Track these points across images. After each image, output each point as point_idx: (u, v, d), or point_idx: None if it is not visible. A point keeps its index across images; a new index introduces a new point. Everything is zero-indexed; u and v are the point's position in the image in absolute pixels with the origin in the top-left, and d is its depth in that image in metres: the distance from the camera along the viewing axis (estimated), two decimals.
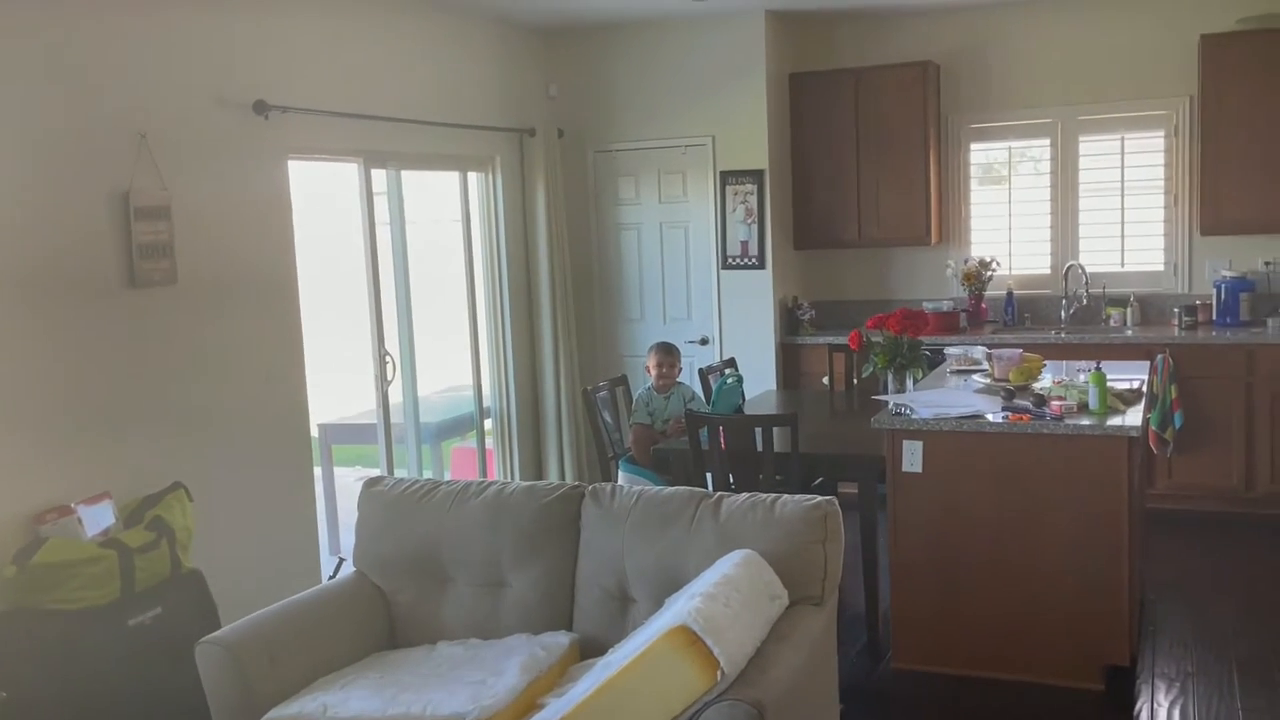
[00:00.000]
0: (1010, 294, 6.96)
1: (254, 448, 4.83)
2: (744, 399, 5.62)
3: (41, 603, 3.65)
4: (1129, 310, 6.66)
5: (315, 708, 3.10)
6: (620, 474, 5.49)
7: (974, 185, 7.17)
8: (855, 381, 6.20)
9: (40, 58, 3.94)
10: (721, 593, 2.85)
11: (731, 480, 4.67)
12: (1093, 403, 4.22)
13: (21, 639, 3.58)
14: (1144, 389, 4.63)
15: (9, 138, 3.83)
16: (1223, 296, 6.39)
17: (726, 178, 6.90)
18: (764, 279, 6.91)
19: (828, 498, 3.32)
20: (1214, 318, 6.44)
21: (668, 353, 5.61)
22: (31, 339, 3.91)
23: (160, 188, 4.35)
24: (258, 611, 3.41)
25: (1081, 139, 6.86)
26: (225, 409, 4.69)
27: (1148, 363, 5.38)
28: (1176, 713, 3.98)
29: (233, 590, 4.27)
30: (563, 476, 6.87)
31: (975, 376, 5.05)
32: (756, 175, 6.83)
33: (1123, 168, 6.79)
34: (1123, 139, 6.77)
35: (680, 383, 5.64)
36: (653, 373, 5.58)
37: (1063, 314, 6.80)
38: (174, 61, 4.47)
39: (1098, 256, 6.86)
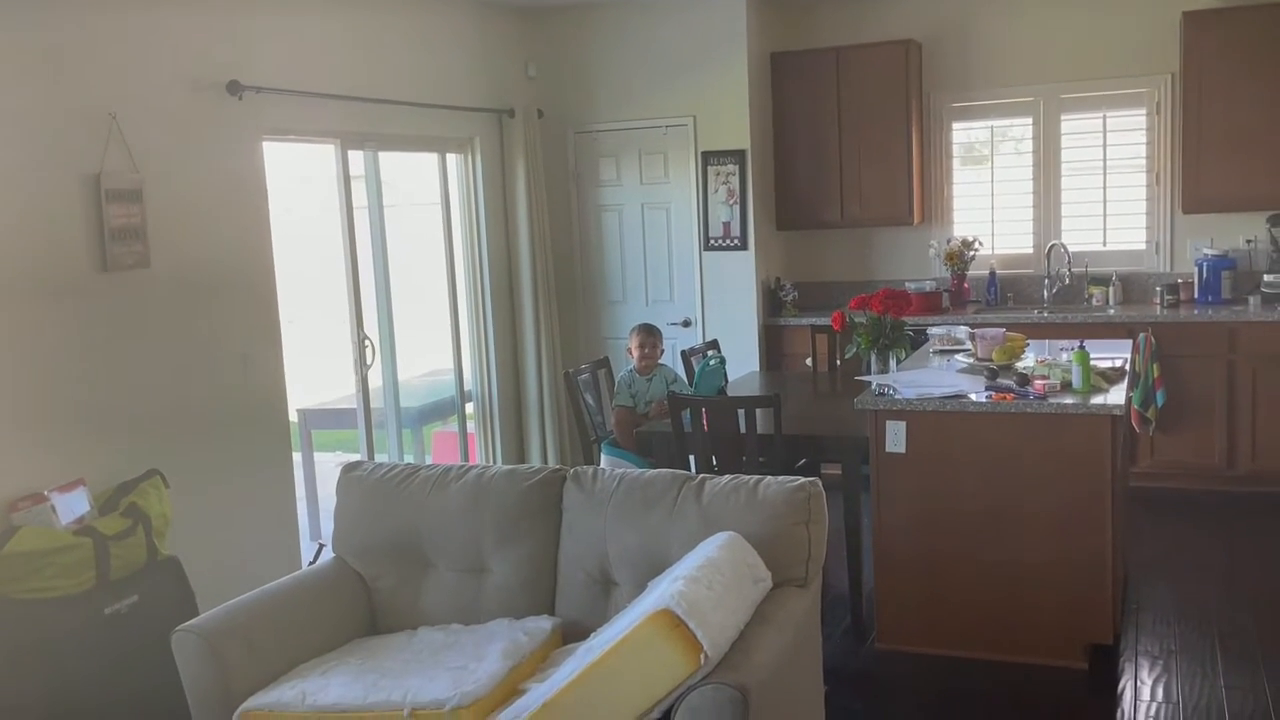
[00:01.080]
0: (993, 274, 6.95)
1: (231, 433, 4.78)
2: (726, 380, 5.59)
3: (15, 592, 3.59)
4: (1111, 289, 6.65)
5: (294, 695, 3.06)
6: (603, 457, 5.46)
7: (956, 165, 7.14)
8: (838, 362, 6.18)
9: (6, 36, 3.86)
10: (704, 575, 2.83)
11: (714, 462, 4.65)
12: (1076, 381, 4.21)
13: None
14: (1127, 367, 4.63)
15: None
16: (1204, 275, 6.39)
17: (708, 158, 6.86)
18: (746, 260, 6.87)
19: (811, 479, 3.29)
20: (1196, 296, 6.44)
21: (649, 334, 5.57)
22: (2, 323, 3.83)
23: (132, 170, 4.28)
24: (236, 599, 3.37)
25: (1063, 117, 6.84)
26: (201, 394, 4.63)
27: (1130, 341, 5.37)
28: (1160, 690, 3.99)
29: (211, 577, 4.22)
30: (545, 460, 6.83)
31: (958, 356, 5.04)
32: (738, 156, 6.79)
33: (1104, 146, 6.78)
34: (1104, 117, 6.76)
35: (662, 364, 5.61)
36: (634, 354, 5.55)
37: (1045, 293, 6.79)
38: (145, 40, 4.39)
39: (1080, 236, 6.85)
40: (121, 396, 4.28)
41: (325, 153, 5.58)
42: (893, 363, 5.04)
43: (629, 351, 5.62)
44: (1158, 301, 6.45)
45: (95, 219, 4.15)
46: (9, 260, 3.86)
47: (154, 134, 4.40)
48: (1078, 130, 6.84)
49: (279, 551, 5.00)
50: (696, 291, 7.02)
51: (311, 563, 4.88)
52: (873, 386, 4.48)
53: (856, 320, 5.19)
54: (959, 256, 6.93)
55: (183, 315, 4.55)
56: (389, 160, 6.03)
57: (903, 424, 4.26)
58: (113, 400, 4.24)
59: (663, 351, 5.65)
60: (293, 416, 5.50)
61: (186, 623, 3.21)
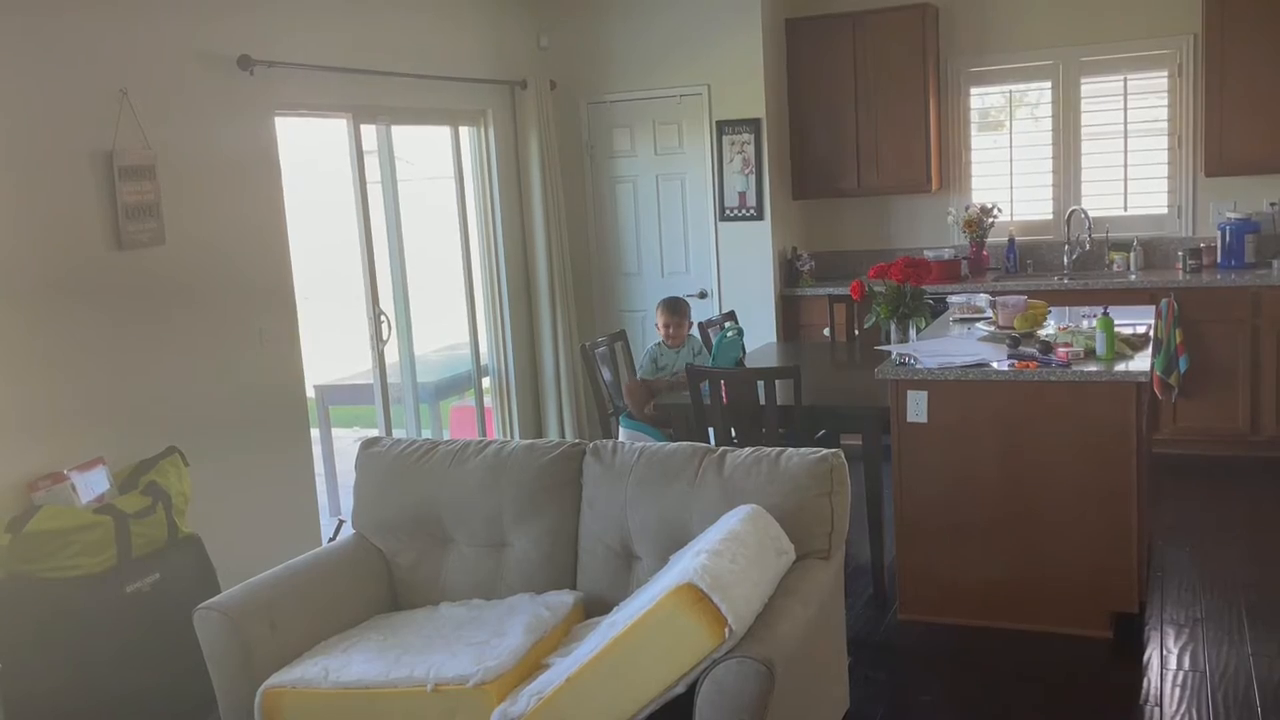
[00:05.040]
0: (1012, 241, 6.88)
1: (250, 410, 4.77)
2: (744, 352, 5.55)
3: (37, 571, 3.60)
4: (1132, 255, 6.57)
5: (317, 672, 3.06)
6: (621, 430, 5.44)
7: (974, 131, 7.06)
8: (857, 332, 6.15)
9: (14, 11, 3.82)
10: (727, 549, 2.81)
11: (734, 434, 4.62)
12: (1100, 348, 4.16)
13: (17, 608, 3.53)
14: (1150, 334, 4.57)
15: None
16: (1227, 239, 6.31)
17: (723, 127, 6.79)
18: (762, 230, 6.82)
19: (834, 450, 3.27)
20: (1219, 260, 6.36)
21: (673, 311, 5.50)
22: (19, 304, 3.82)
23: (144, 146, 4.25)
24: (257, 576, 3.37)
25: (1083, 80, 6.74)
26: (219, 371, 4.62)
27: (1153, 307, 5.31)
28: (1186, 658, 3.96)
29: (232, 555, 4.23)
30: (563, 434, 6.82)
31: (979, 325, 4.99)
32: (753, 124, 6.72)
33: (1125, 109, 6.68)
34: (1125, 80, 6.66)
35: (692, 335, 5.58)
36: (661, 331, 5.51)
37: (1065, 260, 6.71)
38: (155, 14, 4.35)
39: (1100, 201, 6.76)
40: (139, 374, 4.27)
41: (338, 127, 5.54)
42: (912, 332, 5.00)
43: (658, 327, 5.59)
44: (1180, 266, 6.37)
45: (109, 196, 4.12)
46: (24, 239, 3.84)
47: (166, 110, 4.37)
48: (1097, 94, 6.74)
49: (299, 528, 5.00)
50: (713, 263, 6.97)
51: (331, 539, 4.89)
52: (893, 356, 4.44)
53: (875, 289, 5.15)
54: (978, 224, 6.85)
55: (199, 292, 4.53)
56: (402, 134, 5.99)
57: (924, 394, 4.22)
58: (130, 378, 4.23)
59: (691, 324, 5.61)
60: (310, 393, 5.49)
61: (208, 600, 3.22)
